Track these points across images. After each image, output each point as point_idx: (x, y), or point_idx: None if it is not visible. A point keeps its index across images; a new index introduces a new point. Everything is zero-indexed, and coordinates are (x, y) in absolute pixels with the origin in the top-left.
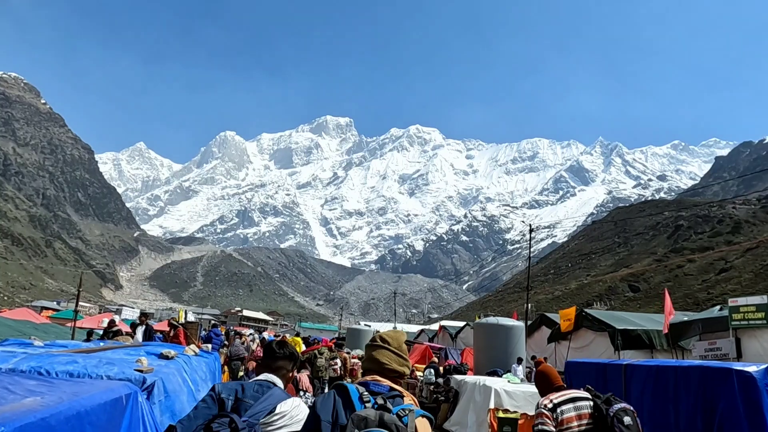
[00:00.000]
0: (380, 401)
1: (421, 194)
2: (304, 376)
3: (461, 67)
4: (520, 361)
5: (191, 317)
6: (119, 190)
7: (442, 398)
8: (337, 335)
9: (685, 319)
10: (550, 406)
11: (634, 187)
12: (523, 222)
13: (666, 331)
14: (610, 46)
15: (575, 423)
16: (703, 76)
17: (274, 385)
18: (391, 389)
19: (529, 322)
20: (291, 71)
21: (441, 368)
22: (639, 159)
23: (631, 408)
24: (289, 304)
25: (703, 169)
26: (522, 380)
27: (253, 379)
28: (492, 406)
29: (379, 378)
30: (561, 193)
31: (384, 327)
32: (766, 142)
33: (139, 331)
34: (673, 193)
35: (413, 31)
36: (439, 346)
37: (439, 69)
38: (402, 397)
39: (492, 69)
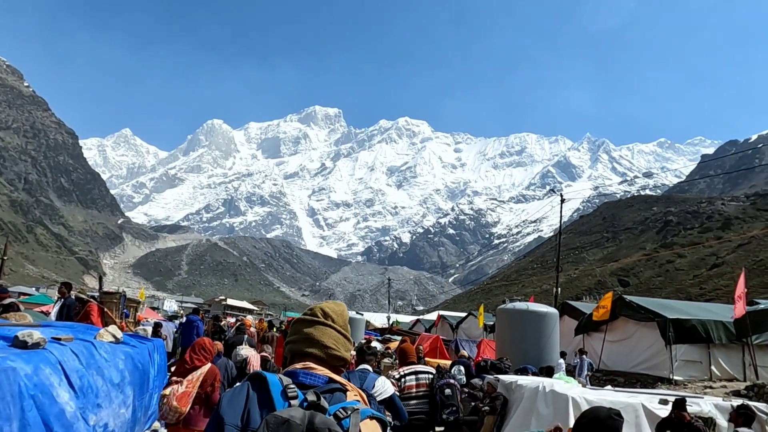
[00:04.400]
0: (311, 397)
1: (409, 187)
2: (253, 357)
3: (452, 60)
4: (564, 355)
5: (174, 306)
6: (104, 177)
7: (486, 408)
8: None
9: (762, 306)
10: (397, 376)
11: (620, 183)
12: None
13: (738, 316)
14: (600, 43)
15: (414, 390)
16: (691, 76)
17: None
18: (330, 380)
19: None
20: (280, 60)
21: (473, 365)
22: (625, 156)
23: (454, 382)
24: (274, 294)
25: (689, 167)
26: (584, 382)
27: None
28: (572, 423)
29: (313, 365)
30: (548, 188)
31: (374, 317)
32: (751, 141)
33: (56, 307)
34: (658, 190)
35: (404, 24)
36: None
37: (430, 62)
38: (345, 391)
39: (482, 63)
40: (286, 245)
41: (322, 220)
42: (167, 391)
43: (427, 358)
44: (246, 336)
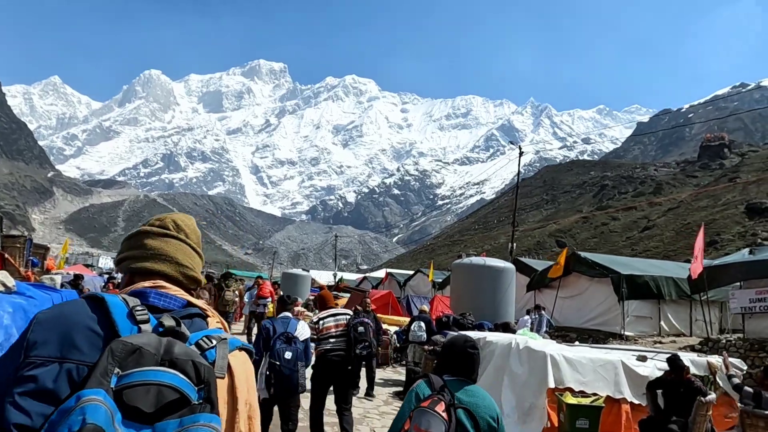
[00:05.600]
0: (168, 322)
1: (355, 146)
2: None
3: (400, 18)
4: (530, 312)
5: (110, 263)
6: (31, 127)
7: None
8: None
9: (716, 263)
10: (315, 320)
11: (560, 148)
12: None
13: (697, 274)
14: (545, 7)
15: (333, 330)
16: (631, 45)
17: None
18: (189, 304)
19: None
20: (223, 10)
21: (433, 321)
22: (566, 121)
23: (368, 321)
24: (216, 252)
25: (625, 134)
26: (544, 336)
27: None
28: (552, 384)
29: (166, 285)
30: (491, 150)
31: (320, 274)
32: (683, 110)
33: None
34: (596, 156)
35: None
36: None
37: (378, 19)
38: (205, 317)
39: (430, 22)
40: (228, 203)
41: (266, 178)
42: None
43: (379, 315)
44: None
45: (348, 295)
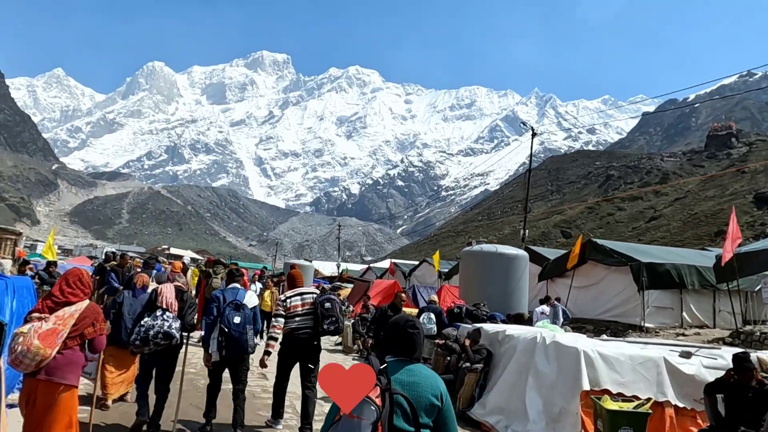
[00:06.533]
0: None
1: (359, 137)
2: (166, 288)
3: (403, 8)
4: (548, 300)
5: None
6: (34, 119)
7: (465, 364)
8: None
9: (745, 249)
10: (283, 298)
11: (565, 139)
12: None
13: (727, 260)
14: None
15: (300, 309)
16: (636, 35)
17: None
18: None
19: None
20: (226, 0)
21: (444, 312)
22: (571, 112)
23: (334, 298)
24: (220, 243)
25: (630, 125)
26: (566, 329)
27: None
28: (587, 385)
29: None
30: (496, 142)
31: (323, 265)
32: (689, 100)
33: None
34: (600, 146)
35: None
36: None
37: (381, 9)
38: None
39: (434, 12)
40: (232, 194)
41: (270, 170)
42: (25, 329)
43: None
44: (154, 271)
45: (351, 285)
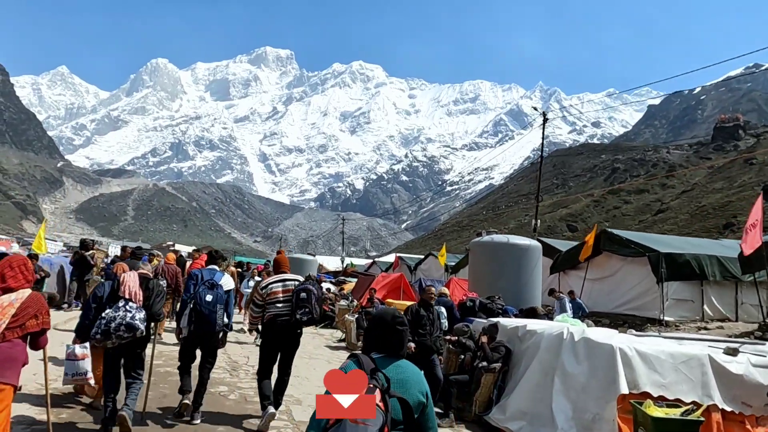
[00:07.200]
0: None
1: (363, 133)
2: (129, 277)
3: (406, 3)
4: (553, 293)
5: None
6: (40, 117)
7: (482, 363)
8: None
9: None
10: (263, 284)
11: (570, 132)
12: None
13: (754, 248)
14: None
15: (280, 295)
16: (641, 27)
17: None
18: None
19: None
20: None
21: (455, 305)
22: (575, 105)
23: (311, 288)
24: (225, 240)
25: (635, 117)
26: (588, 323)
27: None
28: (625, 388)
29: None
30: (500, 136)
31: (327, 260)
32: (695, 92)
33: None
34: (605, 140)
35: None
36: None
37: (384, 4)
38: None
39: (437, 7)
40: (237, 191)
41: (274, 166)
42: None
43: (390, 300)
44: (140, 263)
45: (356, 279)
